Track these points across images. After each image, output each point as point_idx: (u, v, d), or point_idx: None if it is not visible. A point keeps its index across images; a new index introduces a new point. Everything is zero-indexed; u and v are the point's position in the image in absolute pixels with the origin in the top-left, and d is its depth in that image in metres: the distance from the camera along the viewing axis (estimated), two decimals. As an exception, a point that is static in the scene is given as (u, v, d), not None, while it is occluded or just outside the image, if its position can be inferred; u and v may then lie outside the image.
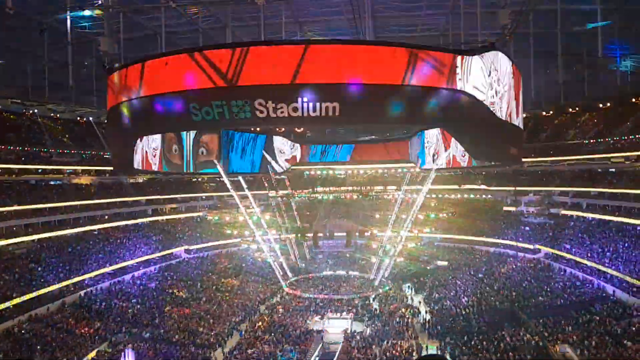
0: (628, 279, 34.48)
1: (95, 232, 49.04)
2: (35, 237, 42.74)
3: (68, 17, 38.88)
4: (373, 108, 17.34)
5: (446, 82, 17.49)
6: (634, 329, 27.89)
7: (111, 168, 50.38)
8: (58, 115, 52.75)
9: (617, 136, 47.97)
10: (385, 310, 38.96)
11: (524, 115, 30.94)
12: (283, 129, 49.70)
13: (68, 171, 50.63)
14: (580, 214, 49.48)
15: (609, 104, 48.84)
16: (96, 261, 43.55)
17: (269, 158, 45.69)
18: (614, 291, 34.97)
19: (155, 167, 29.74)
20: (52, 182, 49.09)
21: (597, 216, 46.65)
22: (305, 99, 16.20)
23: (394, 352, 29.90)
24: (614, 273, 36.37)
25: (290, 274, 49.73)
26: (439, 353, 29.65)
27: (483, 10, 38.64)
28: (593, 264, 39.35)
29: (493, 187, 58.86)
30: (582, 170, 51.12)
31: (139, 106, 19.02)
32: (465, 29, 40.76)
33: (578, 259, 41.70)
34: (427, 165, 40.80)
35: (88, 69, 47.86)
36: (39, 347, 29.26)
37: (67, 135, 52.89)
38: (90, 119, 54.69)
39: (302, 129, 55.13)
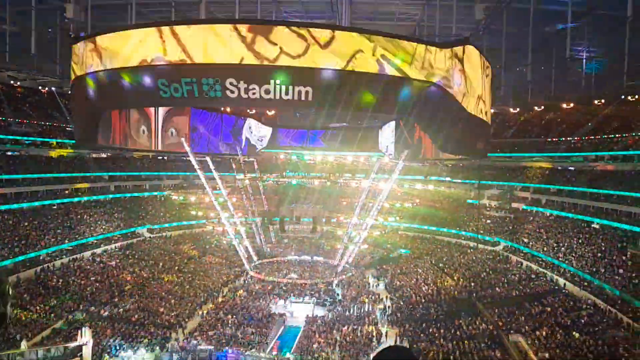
0: (580, 273, 36.07)
1: (54, 207, 47.44)
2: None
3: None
4: (346, 95, 17.31)
5: (419, 73, 17.61)
6: (582, 321, 29.25)
7: (73, 141, 48.68)
8: (18, 83, 50.38)
9: (577, 136, 49.70)
10: (347, 296, 39.47)
11: (492, 110, 31.56)
12: (254, 111, 49.12)
13: (27, 142, 48.55)
14: (539, 209, 51.18)
15: (572, 105, 50.33)
16: (54, 237, 42.24)
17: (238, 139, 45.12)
18: (564, 284, 36.54)
19: (119, 144, 28.94)
20: (9, 153, 46.99)
21: (555, 212, 48.36)
22: (277, 82, 16.02)
23: (354, 336, 30.42)
24: (567, 267, 37.94)
25: (255, 258, 49.62)
26: (399, 340, 30.34)
27: (459, 4, 39.01)
28: (548, 258, 40.91)
29: (458, 179, 60.09)
30: (544, 168, 52.75)
31: (104, 79, 18.38)
32: (441, 22, 41.09)
33: (534, 253, 43.26)
34: (397, 156, 41.20)
35: (52, 37, 45.80)
36: (-10, 322, 28.28)
37: (27, 104, 50.67)
38: (53, 88, 52.46)
39: (273, 112, 54.61)
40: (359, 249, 48.48)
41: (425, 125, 24.80)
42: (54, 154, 50.37)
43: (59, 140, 51.16)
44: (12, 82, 49.29)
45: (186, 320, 33.37)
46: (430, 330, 30.53)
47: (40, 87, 52.28)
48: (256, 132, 50.86)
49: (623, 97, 44.30)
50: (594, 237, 40.82)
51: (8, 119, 46.67)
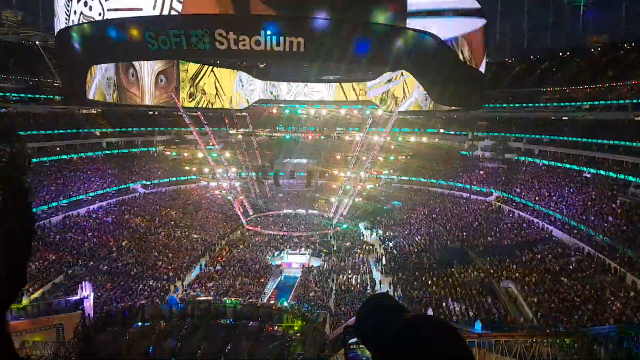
0: (569, 221, 36.79)
1: (47, 164, 47.10)
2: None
3: None
4: (339, 45, 16.94)
5: (413, 22, 17.21)
6: (571, 267, 30.12)
7: (61, 97, 47.78)
8: (1, 38, 48.74)
9: (572, 86, 49.33)
10: (342, 247, 40.23)
11: (487, 60, 31.11)
12: (245, 63, 48.09)
13: (14, 98, 47.56)
14: (532, 159, 51.49)
15: (568, 54, 49.71)
16: (49, 193, 42.17)
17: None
18: (551, 230, 37.43)
19: (109, 99, 28.43)
20: (-4, 110, 46.21)
21: (548, 162, 48.70)
22: (268, 32, 15.60)
23: (349, 285, 31.28)
24: (558, 216, 38.63)
25: (250, 212, 50.06)
26: (392, 287, 31.24)
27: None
28: (540, 207, 41.55)
29: (452, 131, 60.00)
30: (538, 118, 52.64)
31: (90, 32, 17.82)
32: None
33: (526, 202, 43.87)
34: (390, 108, 40.89)
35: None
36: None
37: (11, 60, 49.28)
38: (37, 42, 50.87)
39: (264, 64, 53.53)
40: (353, 202, 48.97)
41: (420, 77, 24.47)
42: (40, 110, 49.37)
43: (47, 97, 50.16)
44: (-6, 36, 47.86)
45: (184, 272, 34.02)
46: (423, 278, 31.38)
47: (24, 42, 50.65)
48: (247, 85, 50.04)
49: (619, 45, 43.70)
50: (585, 186, 41.34)
51: (-8, 75, 45.57)
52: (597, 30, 46.27)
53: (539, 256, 32.78)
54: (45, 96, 50.01)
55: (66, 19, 18.43)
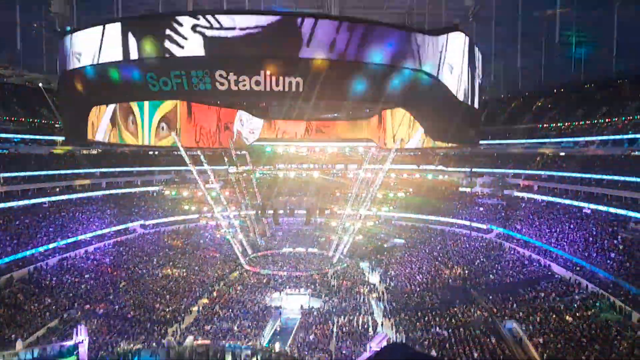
0: (572, 258, 36.41)
1: (46, 205, 47.00)
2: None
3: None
4: (337, 85, 17.20)
5: (409, 61, 17.53)
6: (575, 305, 29.56)
7: (63, 138, 48.14)
8: (5, 80, 49.57)
9: (568, 122, 49.95)
10: (343, 287, 39.59)
11: (483, 97, 31.55)
12: (245, 103, 48.71)
13: (16, 140, 47.96)
14: (531, 195, 51.51)
15: (562, 90, 50.50)
16: (47, 235, 41.89)
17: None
18: (549, 265, 37.10)
19: (110, 139, 28.62)
20: (-2, 151, 46.49)
21: (547, 198, 48.70)
22: (268, 73, 15.88)
23: (350, 327, 30.54)
24: (560, 252, 38.27)
25: (249, 251, 49.58)
26: (394, 329, 30.51)
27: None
28: (541, 244, 41.23)
29: (450, 167, 60.27)
30: (535, 154, 53.00)
31: (92, 74, 18.13)
32: (430, 9, 40.89)
33: (527, 239, 43.57)
34: (388, 145, 41.14)
35: (38, 31, 45.00)
36: (-16, 323, 28.10)
37: (14, 101, 49.97)
38: (40, 84, 51.69)
39: (264, 103, 54.21)
40: (353, 240, 48.56)
41: (416, 114, 24.75)
42: (59, 150, 49.76)
43: (49, 138, 50.61)
44: (-3, 79, 48.64)
45: (182, 315, 33.31)
46: (426, 318, 30.71)
47: (27, 83, 51.48)
48: (247, 124, 50.51)
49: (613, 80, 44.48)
50: (585, 222, 41.20)
51: (-5, 116, 46.13)
52: (589, 67, 47.11)
53: (543, 294, 32.29)
54: (46, 137, 50.43)
55: (69, 62, 18.83)
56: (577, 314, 28.10)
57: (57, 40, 19.90)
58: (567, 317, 27.77)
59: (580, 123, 48.65)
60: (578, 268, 35.10)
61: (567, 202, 45.56)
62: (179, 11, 35.17)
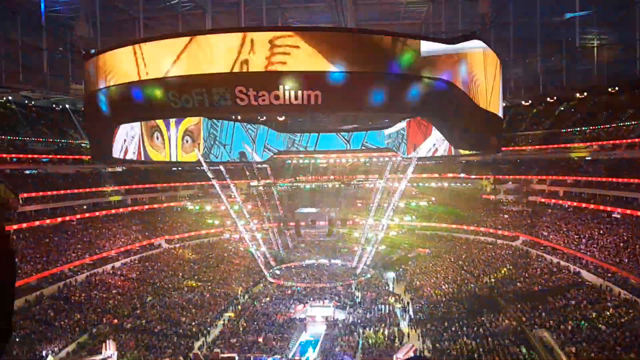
0: (602, 264, 35.42)
1: (74, 222, 48.16)
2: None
3: (42, -1, 37.80)
4: (355, 96, 17.29)
5: (427, 70, 17.54)
6: (608, 313, 28.70)
7: (89, 157, 49.39)
8: (33, 103, 51.28)
9: (593, 125, 48.97)
10: (367, 298, 39.32)
11: (504, 104, 31.25)
12: (264, 117, 49.22)
13: (44, 160, 49.43)
14: (557, 201, 50.47)
15: (585, 94, 49.61)
16: (75, 252, 42.85)
17: (249, 149, 45.10)
18: (578, 272, 36.19)
19: (134, 157, 29.23)
20: (27, 172, 47.90)
21: (574, 204, 47.64)
22: (287, 87, 16.07)
23: (376, 338, 30.27)
24: (590, 259, 37.29)
25: (272, 263, 49.76)
26: (421, 340, 30.13)
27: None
28: (569, 251, 40.26)
29: (473, 175, 59.60)
30: (560, 159, 52.03)
31: (116, 94, 18.63)
32: (447, 18, 40.87)
33: (555, 246, 42.62)
34: (409, 154, 40.99)
35: (63, 54, 46.59)
36: (17, 339, 28.77)
37: (42, 123, 51.60)
38: (67, 106, 53.31)
39: (283, 117, 54.66)
40: (376, 250, 48.29)
41: (436, 122, 24.64)
42: (69, 169, 51.07)
43: (76, 157, 51.99)
44: (26, 101, 50.20)
45: (208, 328, 33.56)
46: (453, 329, 30.24)
47: (54, 105, 53.14)
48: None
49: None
50: (615, 226, 40.13)
51: (24, 138, 47.60)
52: (612, 69, 46.24)
53: (573, 302, 31.42)
54: (73, 156, 51.83)
55: (93, 83, 19.43)
56: (610, 322, 27.28)
57: (82, 62, 20.54)
58: (600, 325, 26.98)
59: (606, 126, 47.64)
60: (609, 274, 34.13)
61: (595, 206, 44.47)
62: (199, 30, 35.99)
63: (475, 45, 19.84)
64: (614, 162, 45.18)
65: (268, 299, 40.12)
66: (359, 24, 44.26)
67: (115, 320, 33.73)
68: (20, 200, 2.41)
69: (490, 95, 21.28)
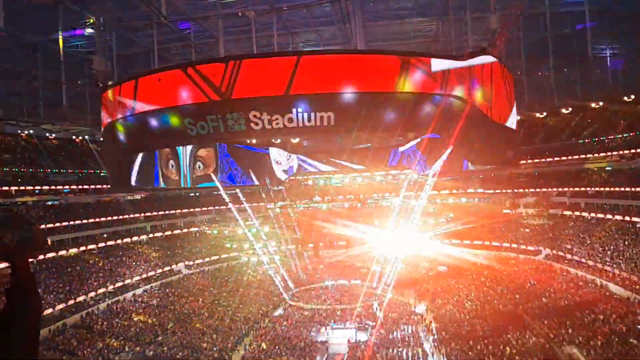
0: (630, 276, 34.45)
1: (95, 251, 48.72)
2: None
3: (60, 36, 39.04)
4: (368, 116, 17.39)
5: (439, 87, 17.59)
6: (639, 327, 27.78)
7: (108, 186, 50.25)
8: (53, 135, 52.65)
9: (611, 135, 48.26)
10: (389, 318, 38.74)
11: (518, 117, 31.05)
12: (279, 141, 49.63)
13: (65, 190, 50.43)
14: (579, 213, 49.51)
15: (601, 104, 49.09)
16: (96, 280, 43.25)
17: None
18: (605, 285, 35.09)
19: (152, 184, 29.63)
20: (49, 203, 48.87)
21: (596, 215, 46.67)
22: (299, 110, 16.26)
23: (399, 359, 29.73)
24: (616, 271, 36.32)
25: (292, 286, 49.47)
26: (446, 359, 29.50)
27: (473, 16, 38.99)
28: (594, 263, 39.29)
29: (491, 190, 58.93)
30: (579, 170, 51.23)
31: (133, 123, 19.06)
32: (456, 35, 41.07)
33: (579, 259, 41.64)
34: (425, 171, 40.75)
35: (81, 88, 47.95)
36: (40, 369, 28.95)
37: (62, 154, 52.81)
38: (86, 137, 54.60)
39: (297, 139, 55.04)
40: (396, 269, 47.71)
41: (451, 139, 24.58)
42: (89, 199, 51.92)
43: (95, 187, 52.96)
44: (47, 134, 51.58)
45: (230, 353, 33.35)
46: (478, 347, 29.54)
47: (73, 137, 54.49)
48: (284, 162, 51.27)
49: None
50: (640, 237, 39.15)
51: (45, 170, 48.74)
52: (626, 79, 45.79)
53: (602, 317, 30.48)
54: (93, 186, 52.81)
55: (111, 114, 19.93)
56: (642, 336, 26.40)
57: (99, 94, 21.11)
58: (632, 340, 26.10)
59: (624, 136, 46.89)
60: (638, 287, 33.14)
61: (619, 217, 43.49)
62: (212, 58, 36.83)
63: (486, 61, 19.87)
64: (635, 171, 44.29)
65: (288, 322, 39.80)
66: (369, 44, 44.78)
67: (138, 348, 33.75)
68: (48, 242, 2.64)
69: (504, 109, 21.20)
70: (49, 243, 43.24)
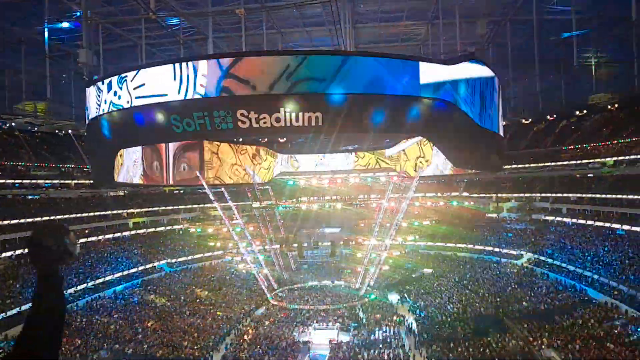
0: (609, 282, 35.06)
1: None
2: (12, 253, 41.61)
3: (46, 29, 38.36)
4: (356, 117, 17.37)
5: (426, 90, 17.66)
6: (616, 331, 28.29)
7: (91, 181, 49.53)
8: (36, 129, 51.67)
9: (594, 142, 49.07)
10: (371, 319, 38.85)
11: (504, 123, 31.37)
12: (266, 140, 49.54)
13: (46, 185, 49.55)
14: (561, 219, 50.24)
15: (585, 111, 49.87)
16: (76, 276, 42.60)
17: (249, 170, 45.20)
18: (585, 290, 35.60)
19: (136, 180, 29.27)
20: (30, 197, 47.99)
21: (577, 221, 47.41)
22: (287, 109, 16.17)
23: (381, 361, 29.83)
24: (595, 277, 36.94)
25: (275, 285, 49.32)
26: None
27: (462, 20, 39.26)
28: (574, 268, 39.91)
29: (475, 194, 59.51)
30: (562, 176, 51.99)
31: (118, 119, 18.75)
32: (445, 39, 41.35)
33: (559, 263, 42.26)
34: (410, 174, 40.97)
35: (66, 81, 47.17)
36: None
37: (45, 148, 51.91)
38: (70, 132, 53.70)
39: (284, 139, 55.05)
40: (379, 271, 47.87)
41: (437, 143, 24.71)
42: (71, 194, 51.11)
43: (78, 182, 52.14)
44: (29, 127, 50.55)
45: (210, 352, 33.09)
46: (459, 349, 29.79)
47: (57, 131, 53.50)
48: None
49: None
50: (620, 243, 39.85)
51: (27, 163, 47.83)
52: (611, 86, 46.57)
53: (581, 321, 31.02)
54: (75, 181, 51.98)
55: (97, 108, 19.56)
56: (619, 341, 26.87)
57: (84, 88, 20.76)
58: (609, 344, 26.57)
59: (606, 143, 47.73)
60: (616, 292, 33.76)
61: (599, 223, 44.25)
62: (200, 55, 36.57)
63: (473, 66, 20.01)
64: (617, 178, 45.10)
65: (270, 322, 39.66)
66: (358, 46, 44.86)
67: (117, 346, 33.29)
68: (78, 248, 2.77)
69: (490, 114, 21.36)
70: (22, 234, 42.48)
